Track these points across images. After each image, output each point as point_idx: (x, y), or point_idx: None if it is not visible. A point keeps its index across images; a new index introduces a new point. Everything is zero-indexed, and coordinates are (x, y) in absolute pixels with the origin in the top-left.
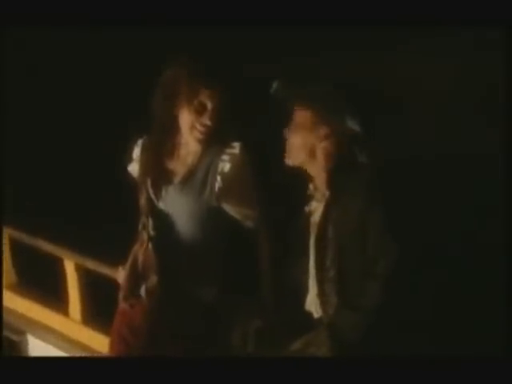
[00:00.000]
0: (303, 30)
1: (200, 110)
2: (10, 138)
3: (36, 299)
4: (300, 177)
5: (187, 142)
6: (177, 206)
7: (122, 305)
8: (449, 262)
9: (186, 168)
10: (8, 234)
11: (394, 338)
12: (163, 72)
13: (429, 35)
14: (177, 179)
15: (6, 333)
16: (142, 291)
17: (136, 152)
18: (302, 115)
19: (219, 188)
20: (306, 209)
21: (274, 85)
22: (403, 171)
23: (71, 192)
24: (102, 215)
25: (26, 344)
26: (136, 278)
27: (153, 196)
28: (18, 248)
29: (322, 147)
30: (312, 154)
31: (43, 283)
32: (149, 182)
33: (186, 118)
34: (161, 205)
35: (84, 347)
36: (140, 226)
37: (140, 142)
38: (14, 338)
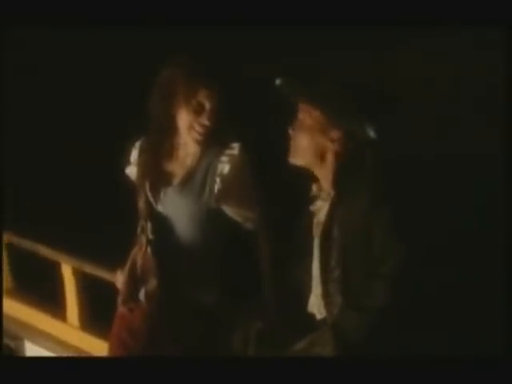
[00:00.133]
0: (303, 30)
1: (198, 110)
2: (9, 139)
3: (33, 304)
4: (301, 176)
5: (185, 142)
6: (176, 208)
7: (121, 309)
8: (449, 262)
9: (185, 170)
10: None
11: (398, 338)
12: (160, 72)
13: (429, 35)
14: (175, 181)
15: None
16: (141, 295)
17: (134, 154)
18: (309, 115)
19: (218, 190)
20: (311, 208)
21: (278, 81)
22: (403, 171)
23: (68, 195)
24: (99, 219)
25: (23, 350)
26: (135, 281)
27: (151, 199)
28: (14, 253)
29: (333, 150)
30: (321, 155)
31: (40, 288)
32: (147, 185)
33: (183, 118)
34: (159, 207)
35: (82, 353)
36: (139, 230)
37: (138, 144)
38: (11, 343)
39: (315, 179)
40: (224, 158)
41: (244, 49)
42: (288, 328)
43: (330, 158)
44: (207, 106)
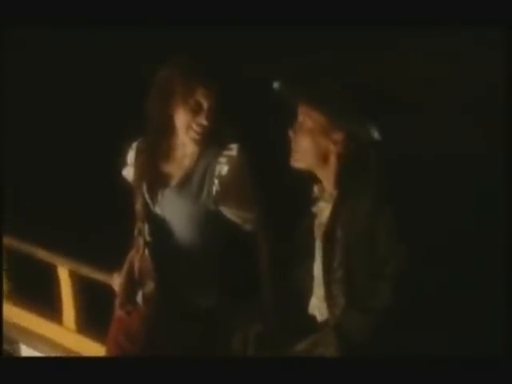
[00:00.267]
0: (303, 30)
1: (196, 110)
2: (8, 139)
3: (29, 307)
4: (301, 178)
5: (183, 143)
6: (173, 210)
7: (119, 312)
8: (448, 262)
9: (183, 171)
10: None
11: (402, 339)
12: (158, 71)
13: (429, 35)
14: (173, 182)
15: None
16: (139, 298)
17: (130, 156)
18: (309, 117)
19: (217, 191)
20: (313, 210)
21: (276, 84)
22: (403, 171)
23: (65, 197)
24: (96, 221)
25: (19, 353)
26: (132, 284)
27: (149, 200)
28: (9, 255)
29: (335, 152)
30: (324, 157)
31: (36, 291)
32: (144, 186)
33: (181, 117)
34: (157, 209)
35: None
36: (136, 232)
37: (134, 144)
38: (7, 347)
39: (317, 181)
40: (222, 159)
41: (244, 49)
42: (288, 330)
43: (332, 159)
44: (205, 105)
